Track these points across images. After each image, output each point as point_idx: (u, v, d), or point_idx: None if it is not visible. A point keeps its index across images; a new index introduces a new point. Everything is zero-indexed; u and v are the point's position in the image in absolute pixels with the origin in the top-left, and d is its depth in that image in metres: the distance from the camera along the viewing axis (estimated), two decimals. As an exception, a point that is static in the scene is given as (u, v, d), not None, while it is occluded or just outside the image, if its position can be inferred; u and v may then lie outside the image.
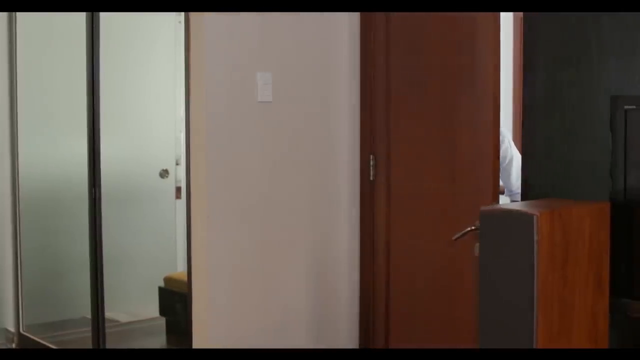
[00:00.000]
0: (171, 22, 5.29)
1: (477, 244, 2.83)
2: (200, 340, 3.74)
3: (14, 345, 5.13)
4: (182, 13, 3.79)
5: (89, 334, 4.67)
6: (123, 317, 5.30)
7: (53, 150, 5.17)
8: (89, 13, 4.42)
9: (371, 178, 4.04)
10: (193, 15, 3.63)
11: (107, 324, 4.67)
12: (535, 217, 2.70)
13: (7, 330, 5.18)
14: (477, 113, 3.57)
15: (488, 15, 3.48)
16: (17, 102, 5.02)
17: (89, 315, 4.67)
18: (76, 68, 4.66)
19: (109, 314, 4.91)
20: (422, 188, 3.84)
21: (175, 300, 4.54)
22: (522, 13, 3.39)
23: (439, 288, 3.81)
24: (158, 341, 5.36)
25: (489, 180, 3.52)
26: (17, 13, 4.97)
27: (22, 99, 5.04)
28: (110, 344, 4.67)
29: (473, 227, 3.00)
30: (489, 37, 3.50)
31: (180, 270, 5.21)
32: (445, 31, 3.70)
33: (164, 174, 5.34)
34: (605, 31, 3.12)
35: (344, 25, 4.04)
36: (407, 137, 3.91)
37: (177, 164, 5.44)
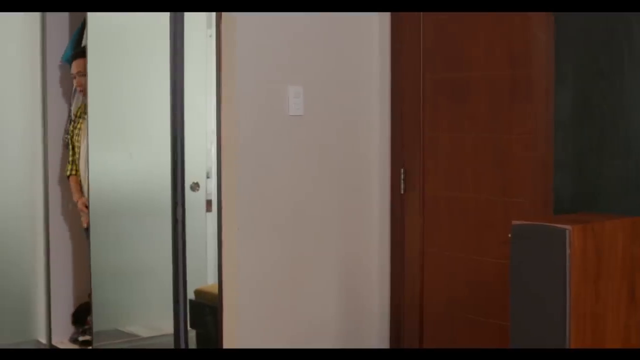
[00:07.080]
0: (202, 35, 5.30)
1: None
2: (231, 352, 3.74)
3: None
4: (214, 27, 3.79)
5: (119, 347, 4.69)
6: (152, 332, 5.30)
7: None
8: (172, 16, 3.94)
9: (402, 192, 4.04)
10: (224, 28, 3.64)
11: (136, 337, 4.66)
12: (567, 232, 2.68)
13: (38, 342, 5.21)
14: (531, 124, 3.52)
15: (542, 24, 3.43)
16: (88, 114, 4.94)
17: (120, 328, 4.67)
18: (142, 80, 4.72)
19: (136, 327, 4.93)
20: (464, 200, 3.80)
21: (206, 313, 4.53)
22: (554, 26, 3.37)
23: (478, 301, 3.78)
24: (188, 354, 5.36)
25: (544, 192, 3.46)
26: (89, 22, 4.86)
27: (93, 111, 4.96)
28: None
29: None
30: (541, 47, 3.45)
31: (210, 282, 5.21)
32: (495, 43, 3.66)
33: (194, 186, 5.34)
34: (638, 44, 3.10)
35: (375, 38, 4.04)
36: (446, 149, 3.88)
37: (207, 177, 5.44)
